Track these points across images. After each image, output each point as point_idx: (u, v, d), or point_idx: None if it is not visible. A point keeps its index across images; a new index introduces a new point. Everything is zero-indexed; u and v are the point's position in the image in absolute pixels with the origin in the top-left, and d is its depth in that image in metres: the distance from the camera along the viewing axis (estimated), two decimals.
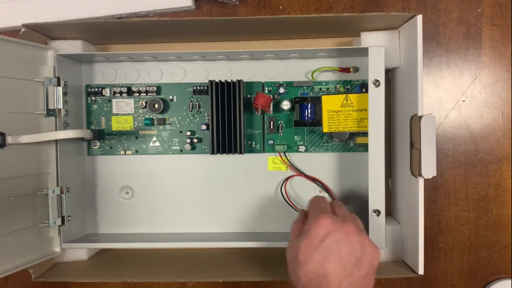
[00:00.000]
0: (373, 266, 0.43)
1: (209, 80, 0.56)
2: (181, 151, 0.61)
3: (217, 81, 0.57)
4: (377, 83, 0.52)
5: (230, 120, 0.57)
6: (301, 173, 0.60)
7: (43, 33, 0.56)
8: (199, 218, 0.62)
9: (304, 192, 0.61)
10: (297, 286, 0.43)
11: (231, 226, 0.61)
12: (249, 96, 0.59)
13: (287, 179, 0.61)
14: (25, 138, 0.51)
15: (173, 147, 0.61)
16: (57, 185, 0.55)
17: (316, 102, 0.58)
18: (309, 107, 0.58)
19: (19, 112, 0.52)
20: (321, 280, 0.40)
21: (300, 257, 0.42)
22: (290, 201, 0.60)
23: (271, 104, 0.58)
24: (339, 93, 0.59)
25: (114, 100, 0.61)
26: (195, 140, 0.60)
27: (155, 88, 0.60)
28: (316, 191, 0.61)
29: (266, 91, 0.60)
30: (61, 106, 0.55)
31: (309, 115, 0.58)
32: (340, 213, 0.47)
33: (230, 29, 0.56)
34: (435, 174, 0.49)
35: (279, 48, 0.57)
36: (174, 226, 0.62)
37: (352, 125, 0.56)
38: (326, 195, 0.60)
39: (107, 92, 0.60)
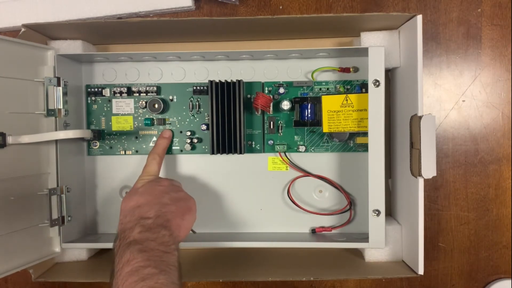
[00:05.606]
0: (189, 207, 0.49)
1: (209, 80, 0.56)
2: (181, 151, 0.60)
3: (217, 81, 0.57)
4: (377, 83, 0.52)
5: (230, 120, 0.57)
6: (306, 172, 0.60)
7: (43, 33, 0.56)
8: (199, 218, 0.61)
9: (305, 192, 0.61)
10: (124, 235, 0.44)
11: (231, 226, 0.61)
12: (249, 96, 0.59)
13: (292, 181, 0.60)
14: (26, 138, 0.51)
15: (173, 147, 0.60)
16: (57, 185, 0.55)
17: (316, 102, 0.58)
18: (309, 107, 0.58)
19: (19, 112, 0.52)
20: (135, 210, 0.46)
21: (122, 207, 0.47)
22: (296, 203, 0.60)
23: (271, 104, 0.58)
24: (339, 93, 0.59)
25: (114, 100, 0.61)
26: (195, 140, 0.60)
27: (155, 88, 0.60)
28: (316, 191, 0.61)
29: (266, 91, 0.60)
30: (61, 106, 0.55)
31: (309, 115, 0.58)
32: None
33: (230, 29, 0.56)
34: (435, 174, 0.49)
35: (279, 48, 0.57)
36: None
37: (352, 125, 0.56)
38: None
39: (107, 92, 0.60)
